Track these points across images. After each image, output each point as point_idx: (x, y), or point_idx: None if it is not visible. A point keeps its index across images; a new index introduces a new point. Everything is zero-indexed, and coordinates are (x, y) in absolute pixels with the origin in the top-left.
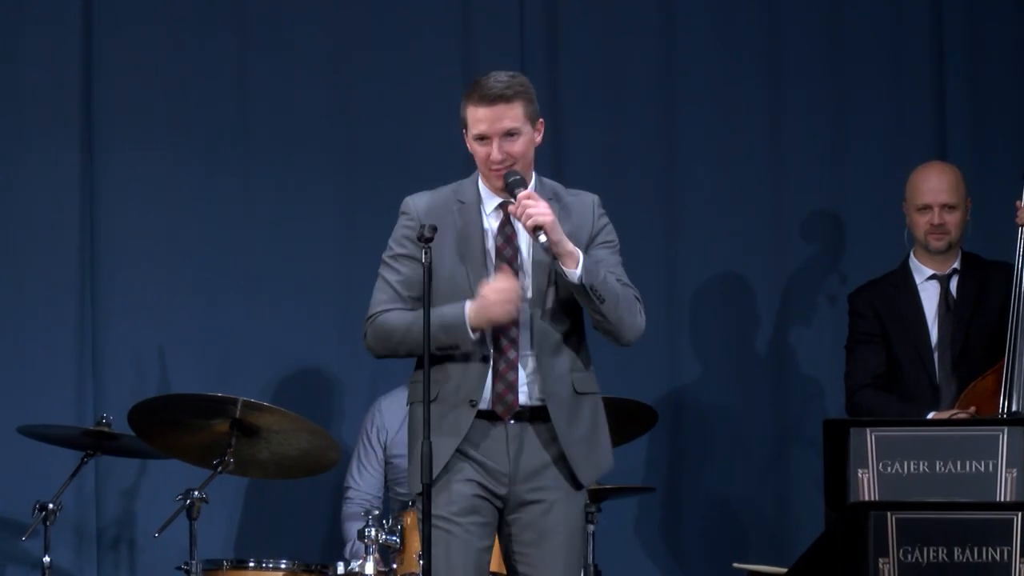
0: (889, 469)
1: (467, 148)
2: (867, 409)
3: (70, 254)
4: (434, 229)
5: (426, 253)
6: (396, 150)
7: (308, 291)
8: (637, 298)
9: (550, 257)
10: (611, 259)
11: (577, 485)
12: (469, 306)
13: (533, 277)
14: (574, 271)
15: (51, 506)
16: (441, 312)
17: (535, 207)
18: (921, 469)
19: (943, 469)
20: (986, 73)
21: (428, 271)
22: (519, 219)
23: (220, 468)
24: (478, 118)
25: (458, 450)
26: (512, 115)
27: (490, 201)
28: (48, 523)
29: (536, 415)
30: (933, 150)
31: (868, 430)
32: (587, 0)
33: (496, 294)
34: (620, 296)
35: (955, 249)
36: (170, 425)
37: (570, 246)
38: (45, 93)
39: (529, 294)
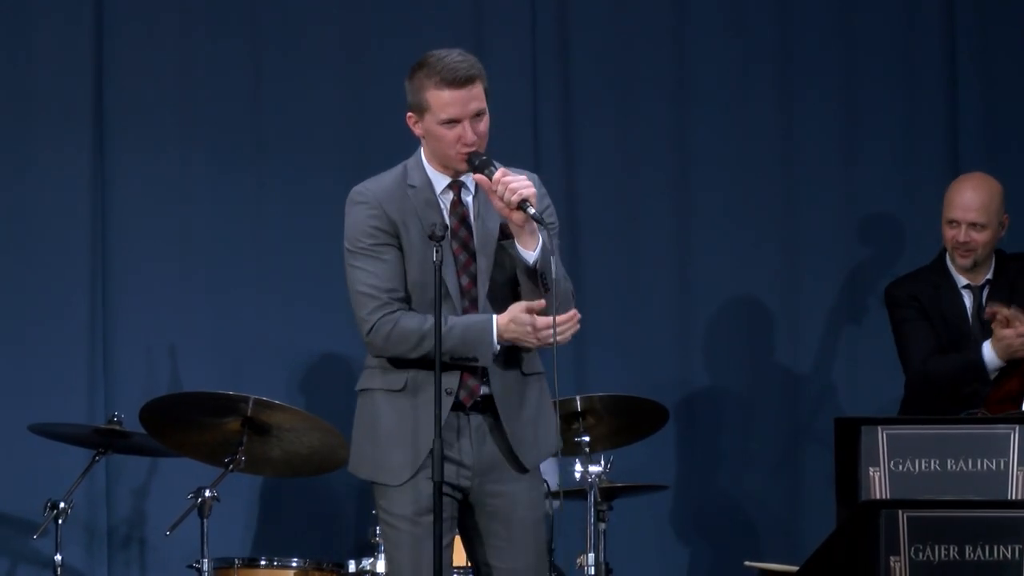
0: (900, 467)
1: (414, 131)
2: (943, 374)
3: (82, 253)
4: (445, 228)
5: (437, 251)
6: (408, 148)
7: (319, 289)
8: (572, 294)
9: (500, 236)
10: (551, 244)
11: (523, 470)
12: (499, 321)
13: (481, 256)
14: (531, 253)
15: (62, 504)
16: (466, 323)
17: (517, 181)
18: (932, 467)
19: (954, 467)
20: (998, 72)
21: (439, 270)
22: (499, 196)
23: (231, 466)
24: (446, 101)
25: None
26: (479, 95)
27: (439, 182)
28: (59, 521)
29: (490, 404)
30: (945, 149)
31: (879, 428)
32: None
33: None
34: (564, 290)
35: (986, 261)
36: (181, 423)
37: (535, 225)
38: (56, 92)
39: (481, 276)
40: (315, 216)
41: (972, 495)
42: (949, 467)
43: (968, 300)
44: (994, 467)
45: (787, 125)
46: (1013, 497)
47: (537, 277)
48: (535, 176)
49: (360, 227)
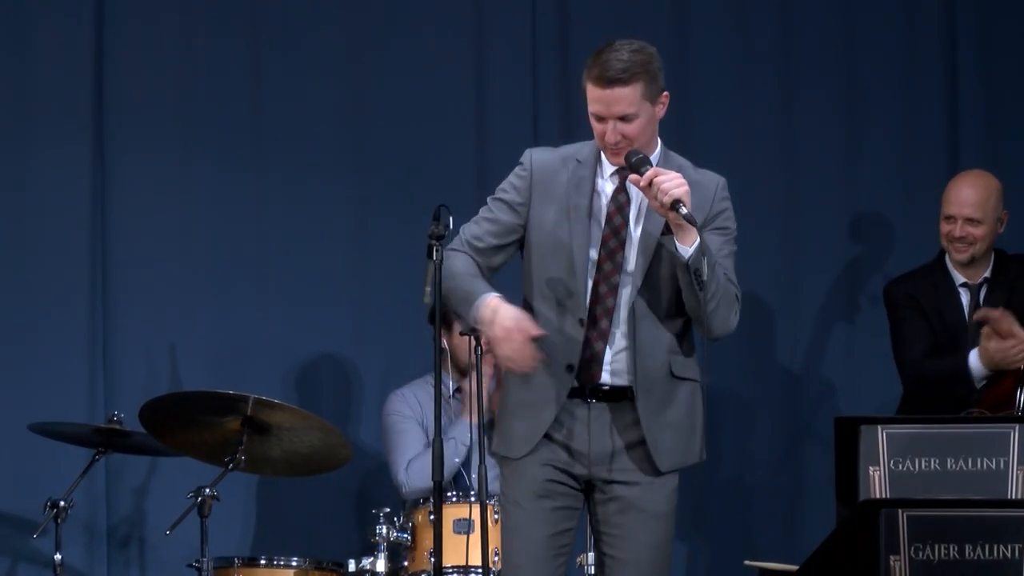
0: (900, 466)
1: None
2: (936, 375)
3: (82, 252)
4: (446, 228)
5: (438, 251)
6: (408, 148)
7: (320, 289)
8: (737, 297)
9: (661, 232)
10: (723, 249)
11: (656, 471)
12: (490, 302)
13: (639, 251)
14: (687, 248)
15: (62, 504)
16: (471, 289)
17: (669, 181)
18: (932, 466)
19: (954, 466)
20: (998, 71)
21: (437, 269)
22: (652, 197)
23: (231, 465)
24: (593, 97)
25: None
26: (628, 99)
27: (609, 166)
28: (59, 521)
29: (619, 396)
30: (946, 149)
31: (879, 427)
32: None
33: (504, 336)
34: (722, 289)
35: (985, 257)
36: (181, 422)
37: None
38: (57, 91)
39: (631, 267)
40: (315, 215)
41: (972, 494)
42: (949, 466)
43: (965, 298)
44: (994, 466)
45: (788, 124)
46: (1013, 496)
47: (691, 274)
48: (722, 180)
49: (507, 181)
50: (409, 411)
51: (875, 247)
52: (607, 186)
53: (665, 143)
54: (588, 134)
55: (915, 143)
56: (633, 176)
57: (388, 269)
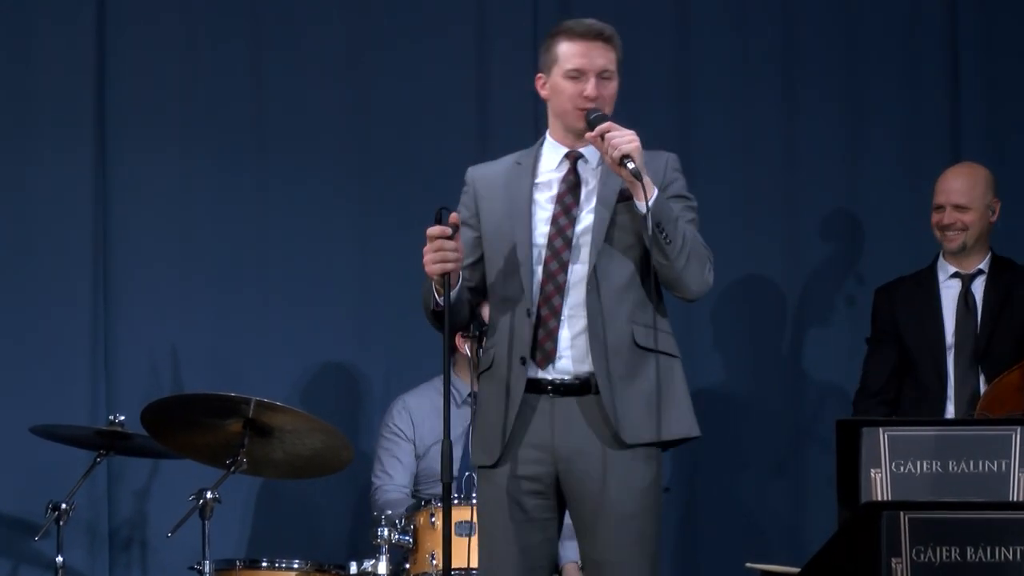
0: (902, 469)
1: (541, 94)
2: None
3: (83, 254)
4: (457, 226)
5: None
6: (411, 149)
7: (322, 291)
8: (709, 258)
9: (617, 199)
10: (685, 214)
11: (627, 463)
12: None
13: (594, 225)
14: (642, 203)
15: (64, 506)
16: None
17: (620, 136)
18: (934, 469)
19: (956, 469)
20: (1001, 71)
21: (445, 286)
22: (604, 152)
23: (233, 468)
24: (574, 52)
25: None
26: (610, 57)
27: (555, 154)
28: (61, 523)
29: (585, 388)
30: (948, 148)
31: (881, 430)
32: None
33: (429, 244)
34: (689, 243)
35: (979, 249)
36: (183, 425)
37: (649, 179)
38: (58, 93)
39: (585, 242)
40: (317, 217)
41: (974, 497)
42: (951, 469)
43: (955, 289)
44: (996, 469)
45: (789, 124)
46: (1015, 499)
47: (655, 230)
48: (673, 155)
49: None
50: (406, 431)
51: (876, 246)
52: (552, 175)
53: (665, 143)
54: None
55: (916, 143)
56: (589, 134)
57: (389, 270)
